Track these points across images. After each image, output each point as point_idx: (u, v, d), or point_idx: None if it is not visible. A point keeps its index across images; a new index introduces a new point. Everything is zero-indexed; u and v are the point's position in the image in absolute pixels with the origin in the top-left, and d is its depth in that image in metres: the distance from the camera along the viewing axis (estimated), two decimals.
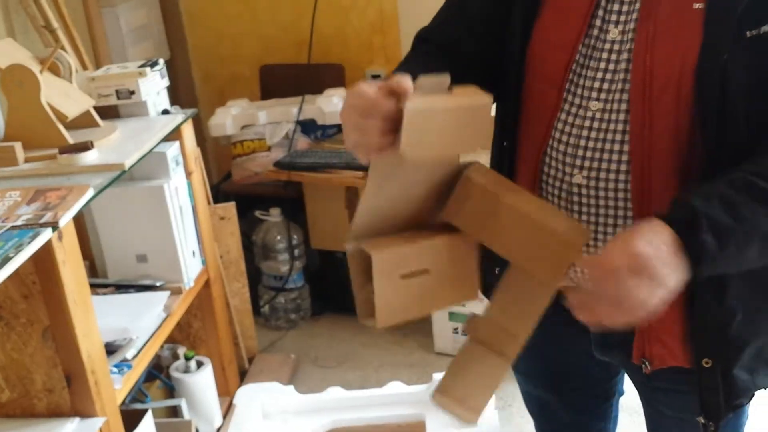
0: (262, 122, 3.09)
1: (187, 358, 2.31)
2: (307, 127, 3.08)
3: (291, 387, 1.73)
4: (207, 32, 3.44)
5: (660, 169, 0.98)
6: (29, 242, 1.36)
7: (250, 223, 3.06)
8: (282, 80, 3.28)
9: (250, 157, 3.10)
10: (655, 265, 0.83)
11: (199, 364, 2.34)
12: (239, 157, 3.12)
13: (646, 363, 1.12)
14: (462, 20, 1.17)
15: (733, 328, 1.04)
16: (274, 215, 3.03)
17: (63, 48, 2.14)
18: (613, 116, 1.01)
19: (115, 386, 1.68)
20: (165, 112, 2.18)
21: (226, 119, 3.08)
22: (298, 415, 1.66)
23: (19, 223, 1.44)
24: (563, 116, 1.06)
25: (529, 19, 1.08)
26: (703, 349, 1.05)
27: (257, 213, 3.05)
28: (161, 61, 2.21)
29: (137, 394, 2.16)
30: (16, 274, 1.40)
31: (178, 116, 2.15)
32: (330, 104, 3.04)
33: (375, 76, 3.22)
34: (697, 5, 0.94)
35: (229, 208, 2.65)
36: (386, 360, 2.87)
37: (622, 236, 0.87)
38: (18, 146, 1.76)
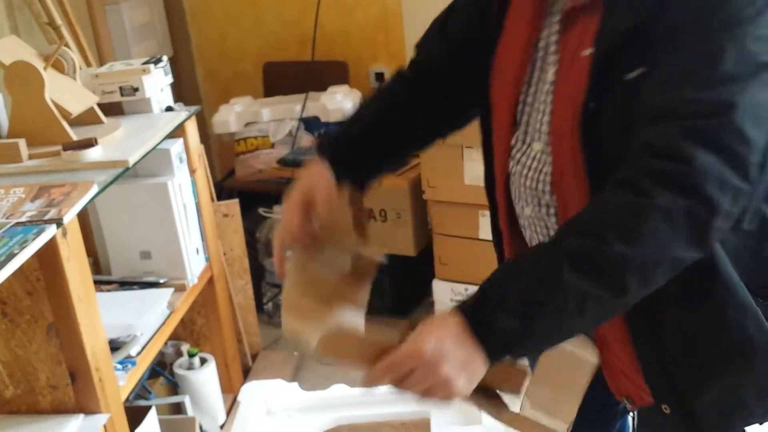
0: (265, 119, 3.09)
1: (191, 355, 2.31)
2: (311, 124, 3.07)
3: (295, 384, 1.74)
4: (210, 29, 3.44)
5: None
6: (34, 239, 1.36)
7: (253, 220, 3.06)
8: (286, 77, 3.28)
9: (254, 155, 3.10)
10: (439, 362, 0.83)
11: (203, 361, 2.34)
12: (243, 155, 3.12)
13: (627, 401, 1.11)
14: (443, 43, 1.19)
15: (681, 371, 1.01)
16: (278, 212, 3.03)
17: (67, 45, 2.14)
18: (548, 158, 1.01)
19: (119, 383, 1.68)
20: (169, 109, 2.18)
21: (230, 116, 3.08)
22: (303, 411, 1.67)
23: (23, 219, 1.44)
24: (515, 153, 1.07)
25: (490, 51, 1.10)
26: (658, 391, 1.03)
27: (260, 210, 3.05)
28: (165, 57, 2.21)
29: (141, 391, 2.16)
30: (21, 270, 1.41)
31: (181, 113, 2.15)
32: (334, 101, 3.04)
33: (378, 74, 3.23)
34: (585, 52, 0.94)
35: (233, 206, 2.65)
36: None
37: (413, 335, 0.87)
38: (22, 143, 1.76)
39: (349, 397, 1.71)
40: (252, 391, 1.72)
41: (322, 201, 1.10)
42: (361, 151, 1.17)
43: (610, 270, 0.83)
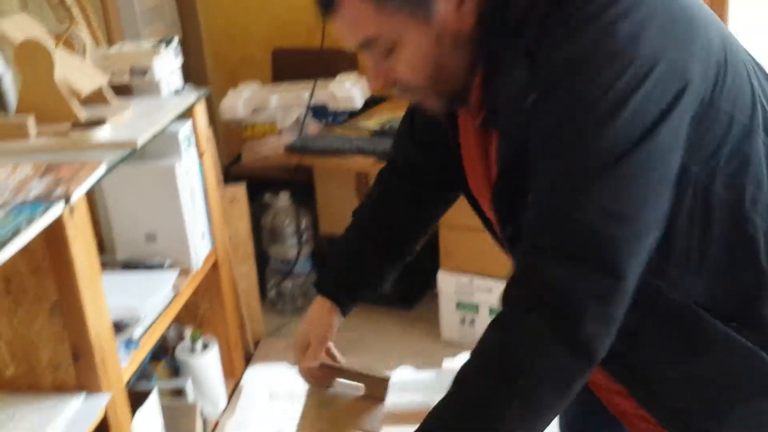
0: (273, 106, 3.08)
1: (194, 339, 2.30)
2: (319, 112, 3.06)
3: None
4: (220, 13, 3.42)
5: None
6: (40, 216, 1.35)
7: (259, 206, 3.05)
8: (294, 64, 3.26)
9: (261, 141, 3.08)
10: None
11: (206, 346, 2.33)
12: (250, 140, 3.11)
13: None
14: (414, 146, 1.25)
15: (695, 415, 1.00)
16: (284, 199, 3.02)
17: (77, 25, 2.13)
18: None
19: (121, 365, 1.67)
20: (178, 91, 2.17)
21: (238, 102, 3.06)
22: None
23: (30, 197, 1.43)
24: (498, 234, 1.09)
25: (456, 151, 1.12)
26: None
27: (266, 197, 3.04)
28: (176, 38, 2.19)
29: (142, 374, 2.15)
30: (26, 248, 1.39)
31: (191, 96, 2.13)
32: (342, 89, 3.02)
33: None
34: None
35: (240, 190, 2.64)
36: (393, 348, 2.86)
37: None
38: (30, 120, 1.75)
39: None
40: (255, 376, 1.71)
41: (315, 346, 1.26)
42: (361, 281, 1.29)
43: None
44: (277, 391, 1.69)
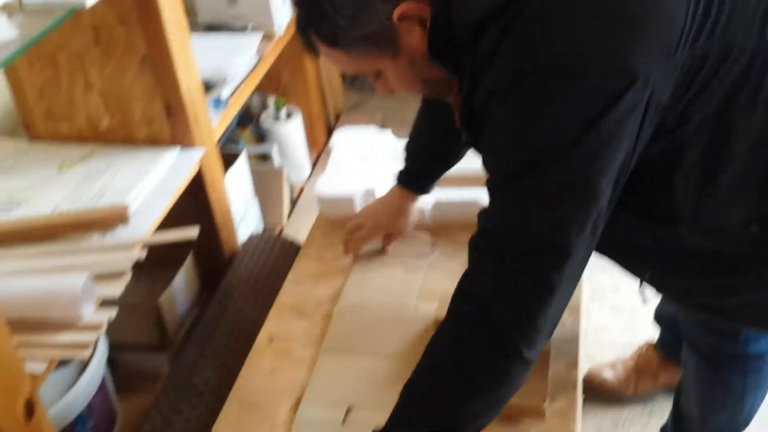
0: None
1: (278, 107, 2.29)
2: None
3: (389, 131, 1.70)
4: None
5: None
6: None
7: None
8: None
9: None
10: None
11: (289, 115, 2.33)
12: None
13: None
14: None
15: None
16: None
17: None
18: None
19: (212, 123, 1.67)
20: None
21: None
22: (395, 160, 1.64)
23: None
24: None
25: None
26: None
27: None
28: None
29: (229, 140, 2.17)
30: None
31: None
32: None
33: None
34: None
35: None
36: None
37: None
38: None
39: None
40: (344, 137, 1.69)
41: (372, 229, 1.43)
42: (431, 173, 1.39)
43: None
44: (365, 153, 1.68)
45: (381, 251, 1.47)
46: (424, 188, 1.41)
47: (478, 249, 0.92)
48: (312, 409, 1.17)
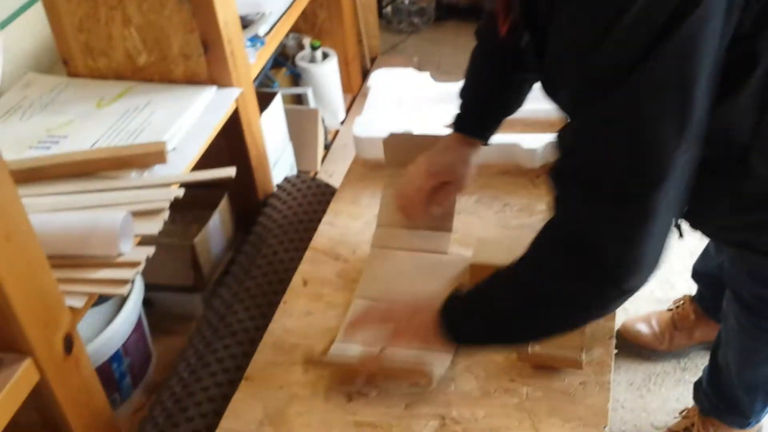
0: None
1: (313, 48, 2.26)
2: None
3: (427, 74, 1.67)
4: None
5: None
6: None
7: None
8: None
9: None
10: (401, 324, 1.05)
11: (325, 56, 2.30)
12: None
13: None
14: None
15: None
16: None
17: None
18: None
19: (249, 60, 1.65)
20: None
21: None
22: (434, 102, 1.61)
23: None
24: None
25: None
26: None
27: None
28: None
29: (264, 80, 2.15)
30: None
31: None
32: None
33: None
34: None
35: None
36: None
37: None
38: None
39: None
40: (382, 78, 1.66)
41: (426, 177, 1.23)
42: (492, 119, 1.26)
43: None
44: (403, 95, 1.65)
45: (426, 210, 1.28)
46: (485, 135, 1.26)
47: (563, 176, 0.86)
48: (343, 348, 1.17)
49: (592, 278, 0.86)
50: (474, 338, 1.01)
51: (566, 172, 0.85)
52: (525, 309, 0.93)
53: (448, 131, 1.26)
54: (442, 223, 1.32)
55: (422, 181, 1.23)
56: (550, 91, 0.94)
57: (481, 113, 1.27)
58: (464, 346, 1.06)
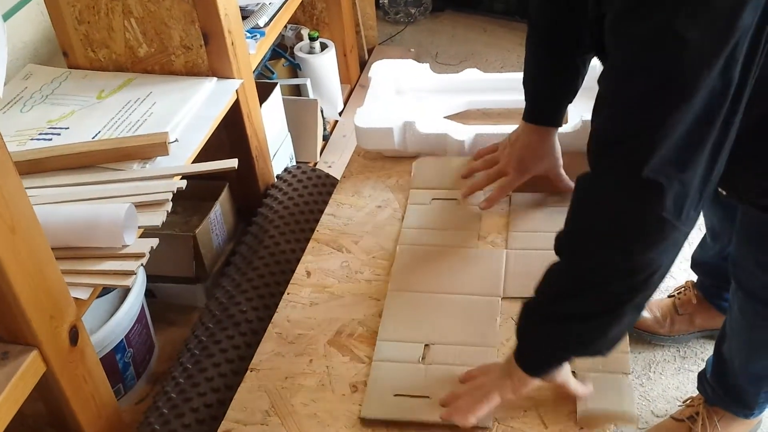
0: None
1: (312, 39, 2.26)
2: None
3: (426, 65, 1.67)
4: None
5: None
6: None
7: None
8: None
9: None
10: (485, 383, 1.04)
11: (323, 47, 2.29)
12: None
13: None
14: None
15: None
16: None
17: None
18: None
19: (249, 51, 1.65)
20: None
21: None
22: (433, 93, 1.61)
23: None
24: None
25: None
26: None
27: None
28: None
29: (263, 70, 2.14)
30: None
31: None
32: None
33: None
34: None
35: None
36: (509, 61, 2.77)
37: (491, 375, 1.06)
38: None
39: (480, 81, 1.63)
40: (382, 69, 1.66)
41: (518, 175, 1.31)
42: (560, 102, 1.28)
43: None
44: (403, 86, 1.65)
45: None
46: (557, 120, 1.29)
47: (600, 155, 0.88)
48: (389, 347, 1.16)
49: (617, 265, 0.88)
50: (555, 366, 1.01)
51: (602, 152, 0.88)
52: (597, 325, 0.93)
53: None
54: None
55: (513, 181, 1.32)
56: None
57: (546, 100, 1.29)
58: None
